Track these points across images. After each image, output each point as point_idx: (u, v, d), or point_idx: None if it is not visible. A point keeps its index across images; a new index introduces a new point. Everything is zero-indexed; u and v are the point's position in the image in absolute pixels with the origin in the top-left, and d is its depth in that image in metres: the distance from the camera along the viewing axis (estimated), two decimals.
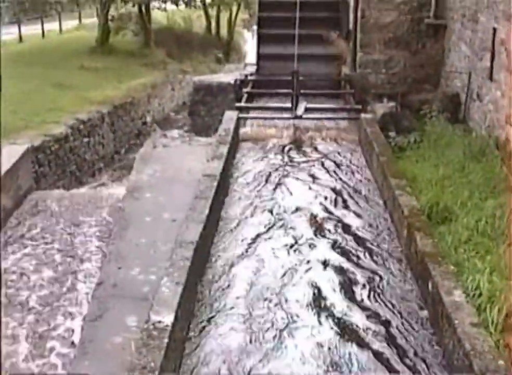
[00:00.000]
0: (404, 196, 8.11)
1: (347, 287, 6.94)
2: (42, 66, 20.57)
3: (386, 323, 6.24)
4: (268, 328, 6.16)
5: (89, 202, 10.23)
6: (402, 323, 6.24)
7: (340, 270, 7.30)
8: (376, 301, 6.65)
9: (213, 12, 35.74)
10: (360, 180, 10.07)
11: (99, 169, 16.77)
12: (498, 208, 7.51)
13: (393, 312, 6.42)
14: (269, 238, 8.00)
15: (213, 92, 15.54)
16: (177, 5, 29.66)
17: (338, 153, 11.40)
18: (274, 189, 9.63)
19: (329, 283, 7.04)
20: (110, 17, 27.54)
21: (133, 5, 27.99)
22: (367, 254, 7.65)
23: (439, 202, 7.87)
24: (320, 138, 12.15)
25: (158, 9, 30.15)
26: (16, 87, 16.22)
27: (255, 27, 19.11)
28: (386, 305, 6.55)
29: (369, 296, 6.73)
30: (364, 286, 6.95)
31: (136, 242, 8.04)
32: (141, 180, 9.91)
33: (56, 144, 14.20)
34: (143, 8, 28.32)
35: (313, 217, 8.56)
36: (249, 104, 13.93)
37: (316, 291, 6.86)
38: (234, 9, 35.57)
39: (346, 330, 6.14)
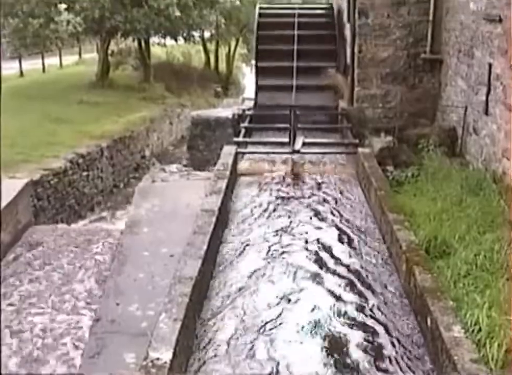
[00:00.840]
0: (402, 231, 8.11)
1: (346, 316, 6.91)
2: (42, 101, 20.71)
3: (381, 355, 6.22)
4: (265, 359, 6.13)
5: (88, 236, 10.22)
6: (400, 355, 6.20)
7: (339, 302, 7.27)
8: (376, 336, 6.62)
9: (211, 46, 36.14)
10: (359, 215, 10.06)
11: (98, 202, 16.77)
12: (496, 241, 7.51)
13: (394, 347, 6.39)
14: (269, 274, 7.95)
15: (211, 127, 15.63)
16: (176, 40, 29.94)
17: (336, 187, 11.42)
18: (273, 223, 9.61)
19: (328, 311, 7.04)
20: (109, 52, 27.81)
21: (133, 41, 28.30)
22: (366, 288, 7.61)
23: (437, 236, 7.86)
24: (318, 172, 12.18)
25: (158, 44, 30.45)
26: (16, 121, 16.32)
27: (253, 61, 19.34)
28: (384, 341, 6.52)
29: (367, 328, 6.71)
30: (362, 316, 6.93)
31: (134, 278, 8.02)
32: (140, 215, 9.92)
33: (55, 178, 14.22)
34: (142, 43, 28.63)
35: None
36: (247, 139, 14.03)
37: (315, 317, 6.84)
38: (233, 43, 35.98)
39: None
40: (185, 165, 15.70)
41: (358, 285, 7.69)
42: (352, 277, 7.91)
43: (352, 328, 6.74)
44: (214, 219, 8.54)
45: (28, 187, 11.67)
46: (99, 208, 16.28)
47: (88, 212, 15.71)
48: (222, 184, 10.11)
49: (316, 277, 7.86)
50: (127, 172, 19.70)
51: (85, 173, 16.16)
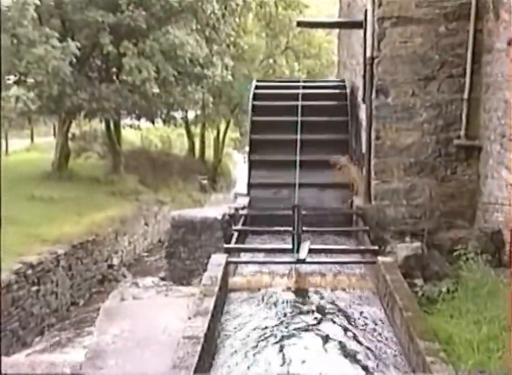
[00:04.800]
0: (438, 364, 7.96)
1: None
2: None
3: None
4: None
5: (36, 372, 9.99)
6: None
7: None
8: None
9: (196, 130, 36.73)
10: (381, 343, 9.91)
11: (49, 325, 16.56)
12: None
13: None
14: None
15: (195, 230, 15.64)
16: (153, 122, 30.40)
17: (352, 306, 11.30)
18: (273, 353, 9.45)
19: None
20: (70, 136, 28.24)
21: (100, 122, 28.74)
22: None
23: (485, 371, 7.73)
24: (328, 287, 12.08)
25: (130, 126, 30.89)
26: None
27: (247, 148, 19.67)
28: None
29: None
30: None
31: None
32: (105, 342, 9.74)
33: None
34: (111, 125, 29.06)
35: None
36: (240, 245, 14.02)
37: None
38: (223, 126, 36.56)
39: None
40: (163, 278, 15.58)
41: None
42: None
43: None
44: (199, 348, 8.41)
45: None
46: (51, 333, 16.06)
47: (36, 338, 15.49)
48: (210, 303, 10.04)
49: None
50: (89, 285, 19.64)
51: (34, 288, 16.07)
